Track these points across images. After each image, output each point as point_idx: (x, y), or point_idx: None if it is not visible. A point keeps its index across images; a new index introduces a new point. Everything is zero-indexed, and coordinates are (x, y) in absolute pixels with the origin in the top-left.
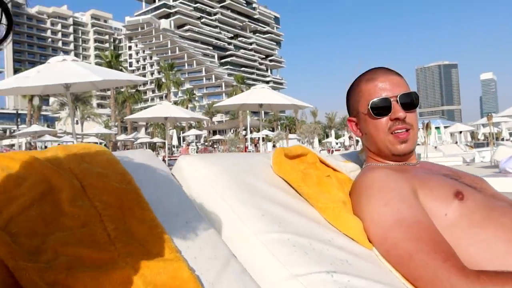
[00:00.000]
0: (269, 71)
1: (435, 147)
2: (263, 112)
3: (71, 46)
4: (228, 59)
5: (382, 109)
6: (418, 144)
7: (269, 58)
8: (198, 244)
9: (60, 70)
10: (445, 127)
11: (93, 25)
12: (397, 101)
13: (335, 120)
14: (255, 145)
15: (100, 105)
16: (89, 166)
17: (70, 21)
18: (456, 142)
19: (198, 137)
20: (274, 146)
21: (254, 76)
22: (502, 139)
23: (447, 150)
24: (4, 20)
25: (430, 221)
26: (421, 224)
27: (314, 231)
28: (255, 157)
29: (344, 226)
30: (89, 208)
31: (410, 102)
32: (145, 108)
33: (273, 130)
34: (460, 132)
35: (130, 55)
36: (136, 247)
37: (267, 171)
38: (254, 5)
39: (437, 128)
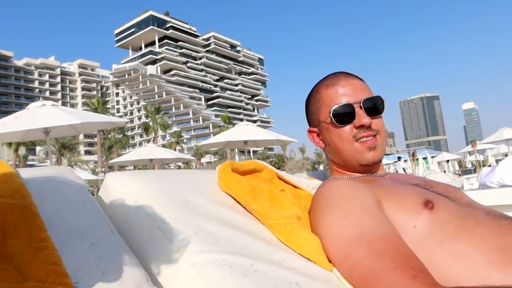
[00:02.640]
0: (255, 110)
1: (424, 177)
2: (252, 150)
3: (59, 95)
4: (215, 101)
5: (345, 116)
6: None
7: (255, 98)
8: (102, 269)
9: (39, 115)
10: (432, 157)
11: (80, 74)
12: (360, 106)
13: (323, 156)
14: None
15: (88, 152)
16: None
17: (58, 71)
18: (444, 171)
19: None
20: None
21: (241, 116)
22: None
23: (436, 179)
24: None
25: (397, 234)
26: (386, 237)
27: (260, 251)
28: (201, 174)
29: (297, 244)
30: None
31: (374, 107)
32: (135, 150)
33: None
34: (448, 161)
35: (118, 101)
36: (10, 273)
37: (212, 187)
38: (238, 48)
39: (425, 158)
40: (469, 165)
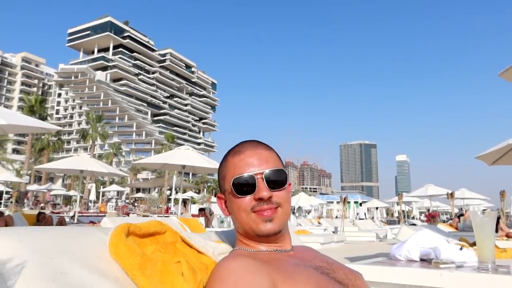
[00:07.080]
0: (201, 133)
1: (353, 222)
2: (191, 173)
3: None
4: (162, 118)
5: (245, 186)
6: (337, 217)
7: (203, 121)
8: None
9: None
10: (363, 202)
11: (22, 68)
12: (262, 178)
13: None
14: (184, 206)
15: (16, 151)
16: None
17: None
18: (373, 218)
19: (120, 193)
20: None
21: (186, 137)
22: (413, 217)
23: (363, 225)
24: None
25: None
26: None
27: None
28: (92, 233)
29: None
30: None
31: (277, 180)
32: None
33: (199, 192)
34: (377, 208)
35: (59, 103)
36: None
37: (101, 252)
38: (193, 69)
39: (356, 202)
40: (396, 214)
